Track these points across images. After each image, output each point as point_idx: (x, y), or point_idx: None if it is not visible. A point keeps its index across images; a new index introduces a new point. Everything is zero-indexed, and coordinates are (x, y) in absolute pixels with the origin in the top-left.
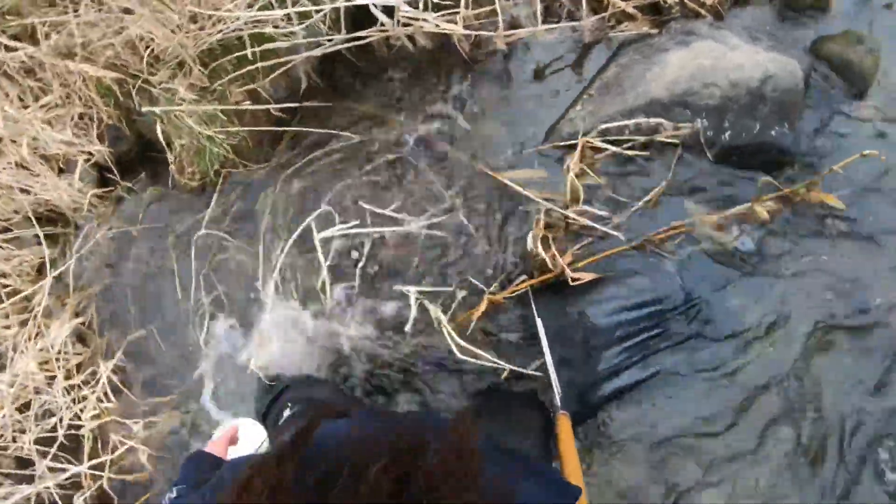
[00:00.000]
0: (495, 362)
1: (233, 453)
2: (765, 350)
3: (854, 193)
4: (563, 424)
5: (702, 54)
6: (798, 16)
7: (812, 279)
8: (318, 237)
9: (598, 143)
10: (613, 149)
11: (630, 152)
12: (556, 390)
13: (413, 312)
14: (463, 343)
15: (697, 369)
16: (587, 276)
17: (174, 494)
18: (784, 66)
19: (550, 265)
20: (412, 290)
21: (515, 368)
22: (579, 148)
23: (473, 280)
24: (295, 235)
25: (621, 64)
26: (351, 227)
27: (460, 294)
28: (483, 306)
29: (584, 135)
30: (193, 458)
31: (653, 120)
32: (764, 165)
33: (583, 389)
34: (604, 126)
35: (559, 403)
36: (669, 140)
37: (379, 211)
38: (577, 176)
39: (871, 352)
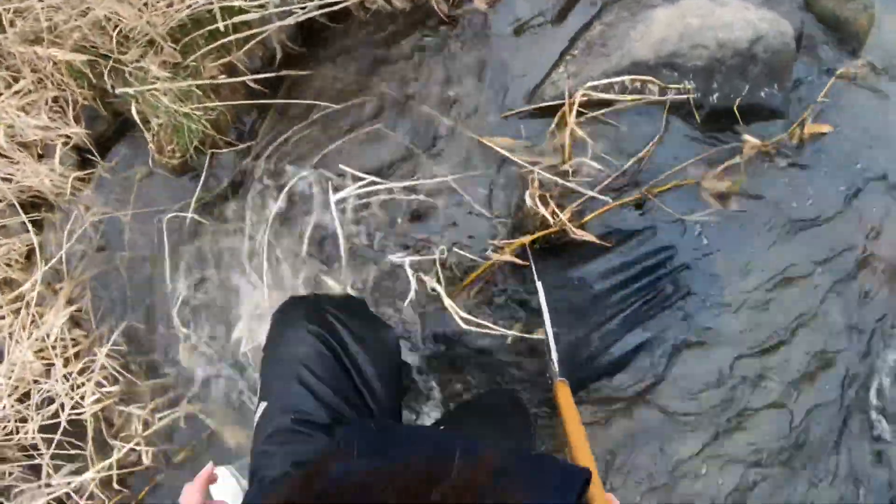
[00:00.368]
0: (498, 330)
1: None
2: (757, 313)
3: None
4: (563, 392)
5: (689, 12)
6: None
7: (802, 235)
8: (333, 199)
9: (595, 95)
10: (613, 97)
11: (626, 102)
12: (553, 357)
13: (413, 285)
14: (464, 314)
15: (690, 333)
16: (589, 236)
17: None
18: (775, 25)
19: (551, 221)
20: (406, 260)
21: (518, 334)
22: (575, 104)
23: (466, 245)
24: (281, 200)
25: (606, 22)
26: (364, 185)
27: (452, 260)
28: (486, 267)
29: (570, 96)
30: None
31: (643, 78)
32: (753, 127)
33: (581, 356)
34: (590, 84)
35: (557, 370)
36: (659, 100)
37: (376, 179)
38: (569, 134)
39: (865, 297)
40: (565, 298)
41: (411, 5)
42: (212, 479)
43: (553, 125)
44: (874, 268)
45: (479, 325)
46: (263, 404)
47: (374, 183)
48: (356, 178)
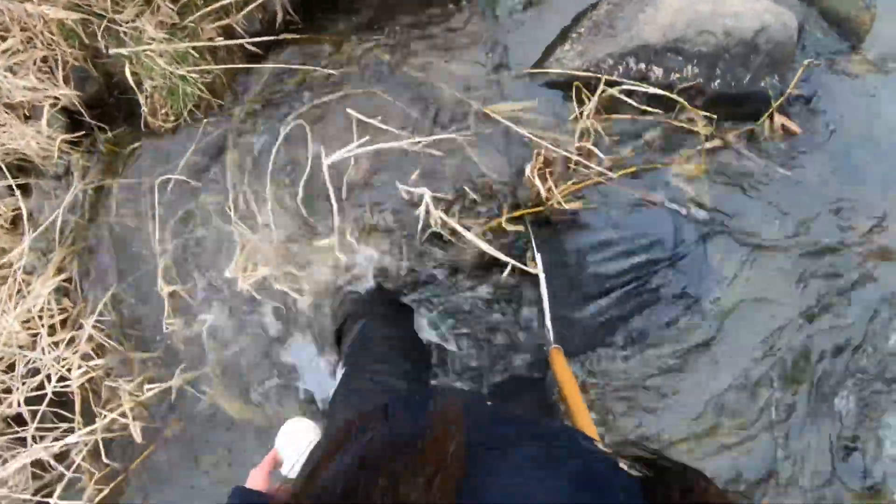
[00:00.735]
0: (500, 255)
1: (286, 448)
2: (743, 305)
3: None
4: (557, 358)
5: None
6: None
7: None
8: (326, 162)
9: (616, 91)
10: (636, 86)
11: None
12: (548, 325)
13: (422, 213)
14: (482, 243)
15: (677, 318)
16: (575, 205)
17: None
18: (780, 17)
19: (545, 197)
20: (427, 193)
21: (517, 264)
22: (599, 91)
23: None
24: (279, 141)
25: (613, 2)
26: (358, 146)
27: (458, 206)
28: (501, 219)
29: (576, 77)
30: (230, 497)
31: (657, 69)
32: (751, 115)
33: (574, 328)
34: (619, 88)
35: (552, 338)
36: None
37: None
38: (588, 118)
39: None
40: (562, 272)
41: None
42: (277, 463)
43: (584, 111)
44: (845, 251)
45: (485, 250)
46: (343, 370)
47: (368, 143)
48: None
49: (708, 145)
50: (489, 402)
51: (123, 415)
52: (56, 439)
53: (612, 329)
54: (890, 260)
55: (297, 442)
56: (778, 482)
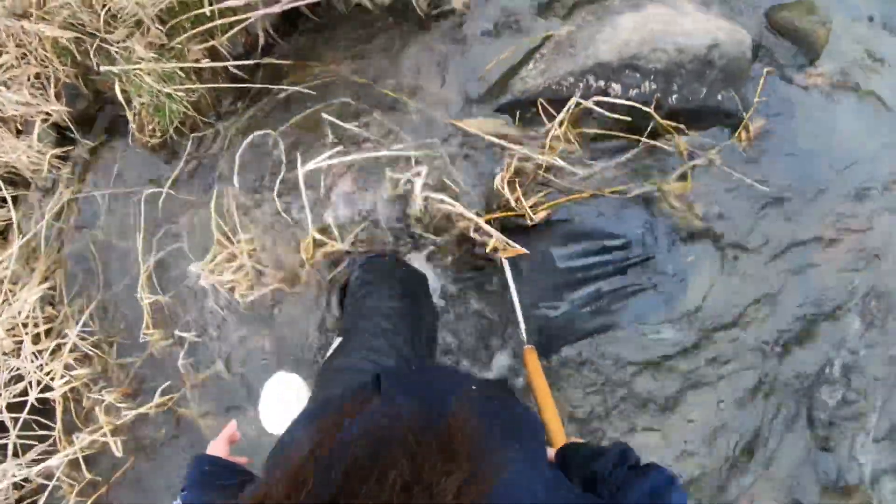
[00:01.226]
0: (467, 215)
1: (267, 411)
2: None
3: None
4: (531, 358)
5: (653, 19)
6: None
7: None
8: (301, 171)
9: (589, 104)
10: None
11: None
12: (521, 325)
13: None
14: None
15: (647, 316)
16: (543, 213)
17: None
18: (732, 35)
19: (514, 206)
20: (423, 171)
21: (483, 225)
22: (572, 108)
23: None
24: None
25: (574, 24)
26: (332, 156)
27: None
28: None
29: (539, 94)
30: (195, 462)
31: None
32: (709, 127)
33: (546, 327)
34: (594, 100)
35: (525, 337)
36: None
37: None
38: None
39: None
40: (531, 272)
41: (391, 1)
42: (233, 439)
43: (553, 123)
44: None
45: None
46: (339, 339)
47: (342, 153)
48: (334, 128)
49: (691, 163)
50: (474, 387)
51: (103, 434)
52: (35, 461)
53: (582, 326)
54: (844, 266)
55: (284, 398)
56: (746, 483)
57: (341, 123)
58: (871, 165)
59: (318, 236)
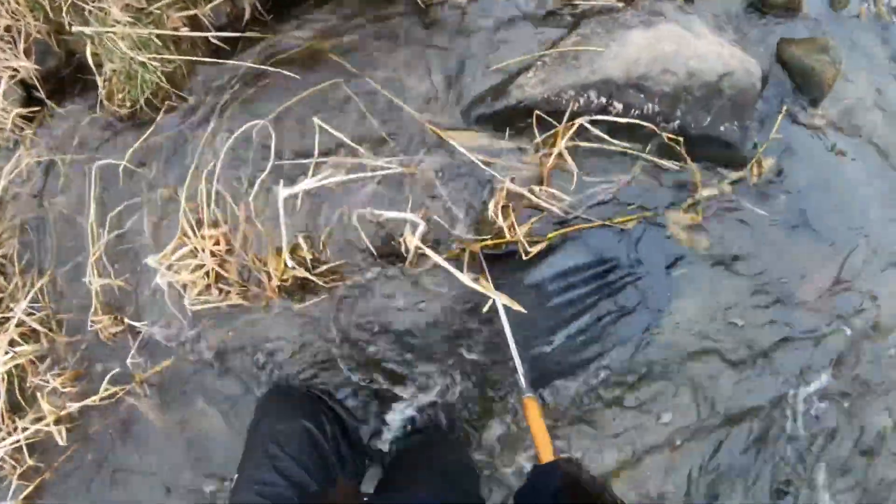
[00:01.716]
0: (466, 281)
1: None
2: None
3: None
4: (532, 408)
5: (665, 38)
6: (768, 12)
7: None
8: (282, 195)
9: (591, 127)
10: (611, 118)
11: (613, 145)
12: (520, 372)
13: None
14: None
15: (637, 339)
16: (539, 246)
17: None
18: (744, 64)
19: (508, 235)
20: (420, 221)
21: (486, 291)
22: (571, 129)
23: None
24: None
25: (581, 34)
26: (320, 180)
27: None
28: (475, 247)
29: (537, 105)
30: None
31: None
32: (707, 158)
33: (538, 364)
34: (589, 118)
35: (525, 386)
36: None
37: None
38: (552, 156)
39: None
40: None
41: None
42: None
43: (539, 141)
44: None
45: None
46: (235, 476)
47: (329, 174)
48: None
49: (705, 193)
50: None
51: (46, 424)
52: None
53: (575, 360)
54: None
55: None
56: None
57: (331, 130)
58: (860, 215)
59: (289, 262)
